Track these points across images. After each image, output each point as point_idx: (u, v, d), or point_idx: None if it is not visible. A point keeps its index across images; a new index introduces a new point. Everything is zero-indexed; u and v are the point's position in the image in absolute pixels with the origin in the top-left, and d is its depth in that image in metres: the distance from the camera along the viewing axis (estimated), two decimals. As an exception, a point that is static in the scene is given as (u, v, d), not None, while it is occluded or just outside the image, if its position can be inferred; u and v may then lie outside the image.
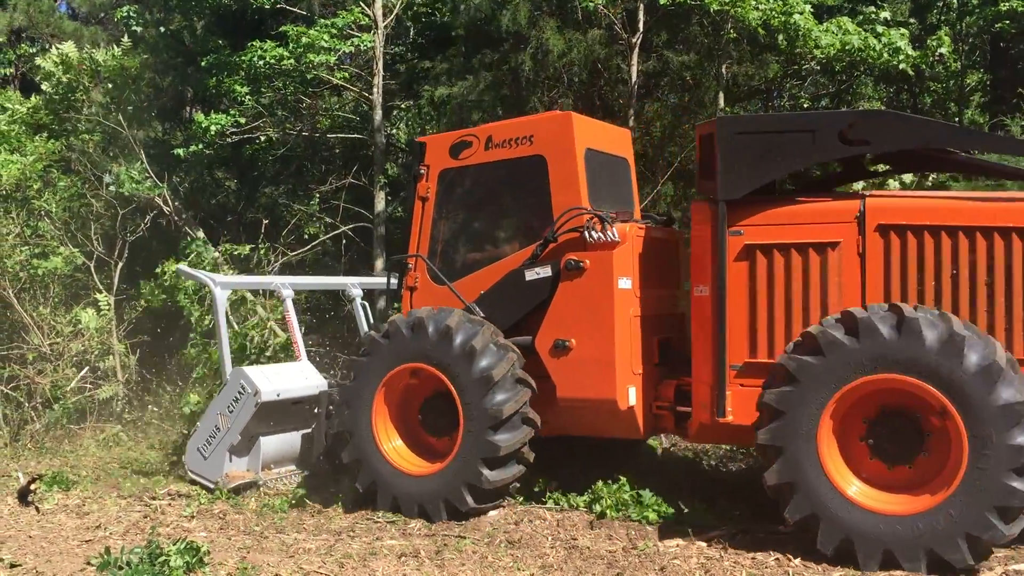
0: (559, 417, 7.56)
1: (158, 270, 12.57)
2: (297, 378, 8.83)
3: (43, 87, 14.46)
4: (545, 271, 7.48)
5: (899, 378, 5.79)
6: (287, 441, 8.81)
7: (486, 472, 7.16)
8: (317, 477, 8.59)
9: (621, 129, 8.77)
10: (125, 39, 14.75)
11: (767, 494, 6.24)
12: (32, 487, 8.32)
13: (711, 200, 6.74)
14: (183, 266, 9.52)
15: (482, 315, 7.63)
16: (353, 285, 10.21)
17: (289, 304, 9.41)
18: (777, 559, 6.03)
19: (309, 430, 8.79)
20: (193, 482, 8.71)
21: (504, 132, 7.87)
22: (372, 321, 10.15)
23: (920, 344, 5.70)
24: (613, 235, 7.17)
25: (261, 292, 11.78)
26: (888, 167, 7.91)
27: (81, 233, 13.72)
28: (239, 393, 8.44)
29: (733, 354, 6.64)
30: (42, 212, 13.64)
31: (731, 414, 6.63)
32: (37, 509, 7.98)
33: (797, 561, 5.98)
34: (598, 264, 7.25)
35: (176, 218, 14.75)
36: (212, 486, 8.49)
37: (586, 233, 7.22)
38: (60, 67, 13.91)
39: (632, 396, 7.26)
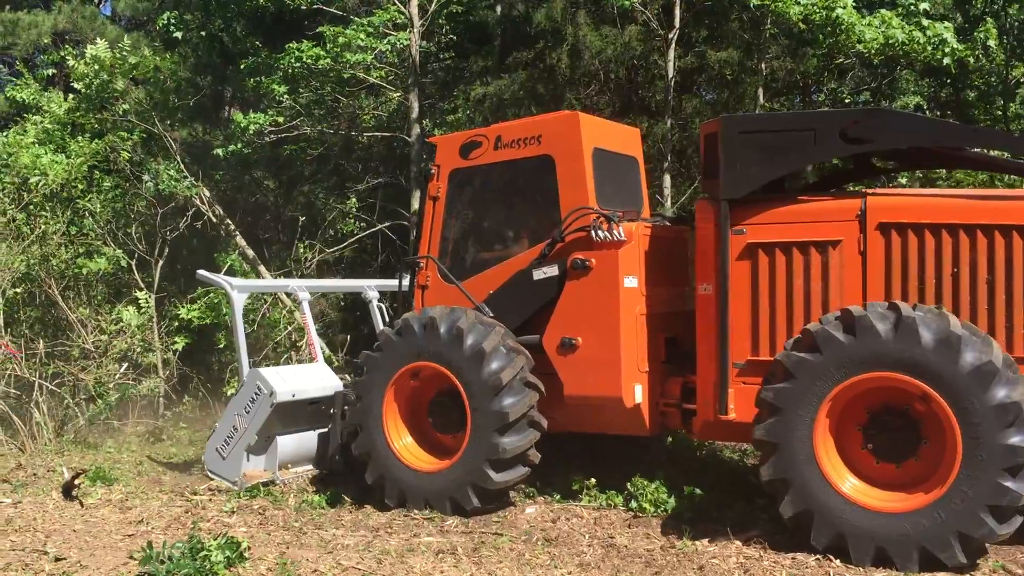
0: (567, 414, 7.63)
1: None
2: (313, 379, 8.96)
3: (78, 87, 14.67)
4: (552, 270, 7.55)
5: (895, 376, 5.82)
6: (304, 441, 8.91)
7: (492, 473, 7.26)
8: (334, 476, 8.67)
9: (630, 128, 8.80)
10: (155, 41, 14.89)
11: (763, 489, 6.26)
12: (76, 482, 8.44)
13: (714, 199, 6.78)
14: (203, 272, 9.70)
15: (491, 314, 7.69)
16: (370, 287, 10.32)
17: (306, 307, 9.56)
18: (818, 559, 5.94)
19: (325, 430, 8.88)
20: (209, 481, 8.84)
21: (513, 132, 7.93)
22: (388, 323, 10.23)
23: (916, 343, 5.72)
24: (619, 234, 7.22)
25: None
26: (896, 164, 7.88)
27: (123, 232, 13.93)
28: (255, 394, 8.55)
29: (736, 352, 6.71)
30: (86, 212, 13.86)
31: (733, 411, 6.70)
32: (81, 504, 8.10)
33: (838, 562, 5.90)
34: (604, 263, 7.30)
35: (212, 217, 14.91)
36: (230, 485, 8.59)
37: (593, 232, 7.28)
38: (93, 67, 14.07)
39: (638, 393, 7.30)
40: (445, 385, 7.61)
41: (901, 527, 5.72)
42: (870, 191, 6.75)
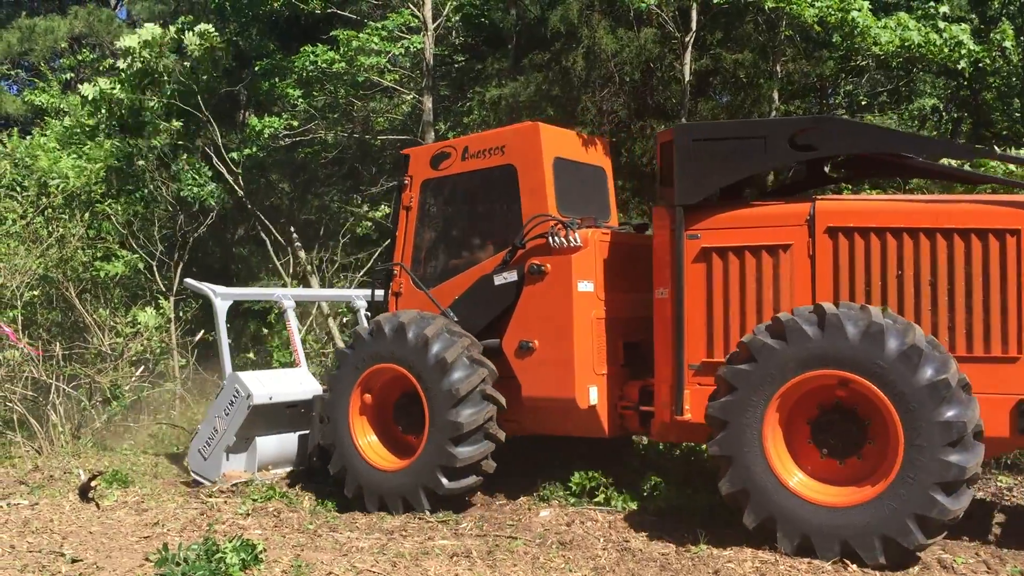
0: (527, 416, 7.84)
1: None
2: (292, 383, 9.19)
3: (119, 66, 14.73)
4: (512, 276, 7.76)
5: (829, 373, 6.03)
6: (284, 442, 9.14)
7: (443, 480, 7.48)
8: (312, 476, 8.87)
9: (597, 138, 8.98)
10: (202, 26, 14.74)
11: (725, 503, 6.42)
12: (92, 484, 8.48)
13: (670, 205, 6.97)
14: (189, 280, 10.09)
15: (456, 319, 7.93)
16: (357, 297, 10.60)
17: (291, 314, 9.91)
18: (835, 564, 5.91)
19: (305, 432, 9.07)
20: (196, 482, 9.01)
21: (479, 143, 8.24)
22: None
23: (843, 338, 5.93)
24: (575, 240, 7.41)
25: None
26: (848, 174, 8.09)
27: (143, 234, 14.02)
28: (234, 396, 8.80)
29: (691, 354, 6.88)
30: (105, 215, 13.95)
31: (689, 412, 6.87)
32: (97, 505, 8.14)
33: (854, 567, 5.86)
34: (558, 268, 7.50)
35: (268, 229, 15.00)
36: (210, 485, 8.80)
37: (549, 238, 7.48)
38: (141, 45, 14.10)
39: (593, 395, 7.45)
40: (410, 388, 7.80)
41: (860, 519, 5.87)
42: (820, 196, 6.95)
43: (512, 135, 8.11)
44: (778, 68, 12.49)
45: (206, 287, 9.57)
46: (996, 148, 10.77)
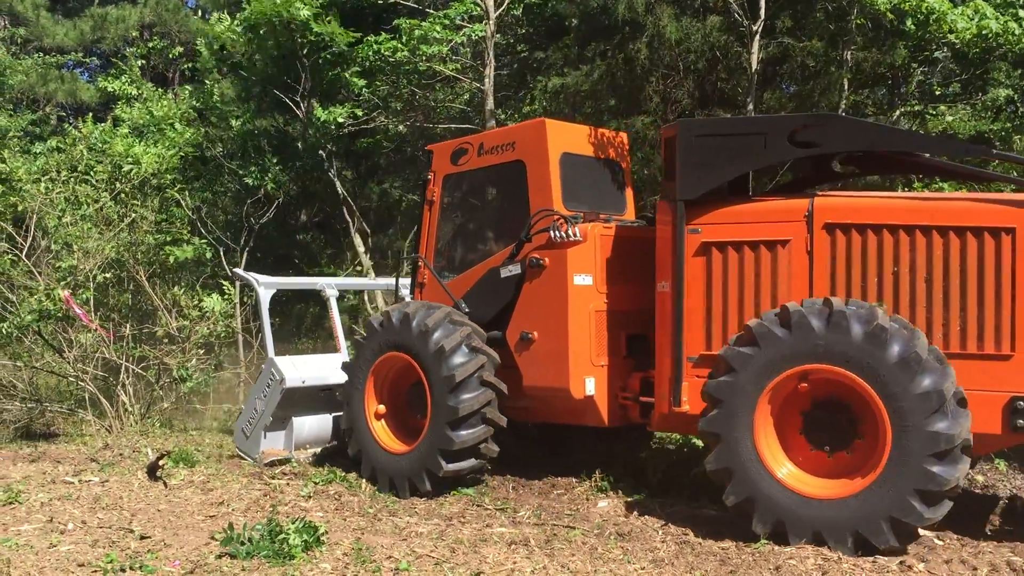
0: (528, 405, 8.15)
1: None
2: (326, 367, 9.57)
3: (202, 50, 15.06)
4: (516, 269, 8.05)
5: (828, 368, 6.12)
6: (320, 423, 9.62)
7: (442, 462, 7.76)
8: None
9: (614, 133, 9.06)
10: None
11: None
12: (160, 463, 8.70)
13: (672, 200, 7.10)
14: (237, 270, 10.64)
15: (467, 310, 8.25)
16: (404, 285, 10.64)
17: (333, 303, 10.31)
18: (900, 564, 5.78)
19: (340, 413, 9.38)
20: (241, 457, 9.56)
21: (493, 139, 8.54)
22: None
23: (847, 336, 6.02)
24: (575, 235, 7.60)
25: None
26: (856, 170, 8.11)
27: (210, 219, 14.31)
28: (270, 380, 9.30)
29: (690, 347, 7.02)
30: (175, 201, 14.27)
31: (687, 404, 7.00)
32: (165, 484, 8.34)
33: (921, 566, 5.74)
34: (556, 262, 7.75)
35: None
36: (252, 460, 9.32)
37: (551, 232, 7.70)
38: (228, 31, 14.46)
39: (590, 386, 7.67)
40: (418, 375, 8.08)
41: (836, 512, 6.02)
42: (819, 192, 7.04)
43: (521, 131, 8.39)
44: (848, 56, 12.21)
45: (251, 276, 10.02)
46: (992, 147, 10.56)
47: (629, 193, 8.95)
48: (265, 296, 9.85)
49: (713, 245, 7.00)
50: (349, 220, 15.84)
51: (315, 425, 9.58)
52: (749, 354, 6.33)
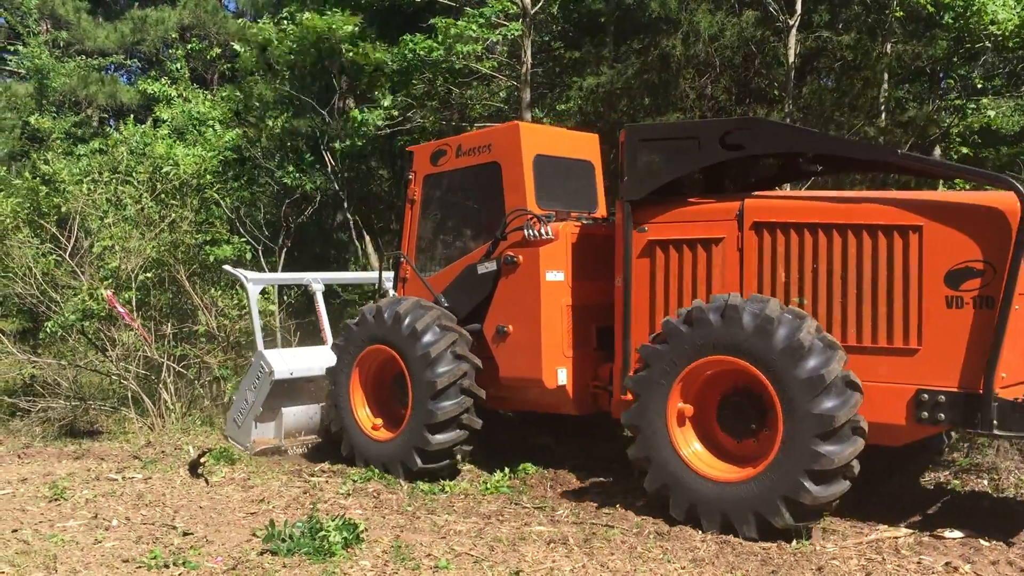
0: (504, 394, 8.53)
1: None
2: (313, 360, 9.90)
3: (238, 48, 15.24)
4: (492, 266, 8.42)
5: (726, 359, 6.52)
6: (308, 413, 9.97)
7: (429, 436, 8.13)
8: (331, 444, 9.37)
9: (586, 135, 9.44)
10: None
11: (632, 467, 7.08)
12: (202, 460, 8.81)
13: (623, 200, 7.51)
14: (226, 266, 11.08)
15: (446, 304, 8.63)
16: (388, 279, 10.91)
17: (319, 297, 10.66)
18: (946, 565, 5.70)
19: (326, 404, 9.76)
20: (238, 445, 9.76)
21: (470, 141, 8.90)
22: None
23: (739, 328, 6.40)
24: (547, 233, 7.97)
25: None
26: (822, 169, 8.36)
27: (249, 219, 14.46)
28: (260, 372, 9.63)
29: (638, 339, 7.39)
30: (215, 202, 14.44)
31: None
32: (207, 481, 8.44)
33: (967, 567, 5.65)
34: (529, 259, 8.11)
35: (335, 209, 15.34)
36: (242, 448, 9.59)
37: (525, 231, 8.05)
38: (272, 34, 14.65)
39: (562, 376, 8.09)
40: (401, 369, 8.44)
41: (738, 494, 6.38)
42: (752, 193, 7.30)
43: (497, 134, 8.75)
44: (887, 48, 12.04)
45: (239, 272, 10.41)
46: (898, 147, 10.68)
47: (601, 192, 9.27)
48: (254, 291, 10.26)
49: (658, 243, 7.41)
50: (387, 220, 15.94)
51: (302, 414, 9.94)
52: (660, 350, 6.79)
